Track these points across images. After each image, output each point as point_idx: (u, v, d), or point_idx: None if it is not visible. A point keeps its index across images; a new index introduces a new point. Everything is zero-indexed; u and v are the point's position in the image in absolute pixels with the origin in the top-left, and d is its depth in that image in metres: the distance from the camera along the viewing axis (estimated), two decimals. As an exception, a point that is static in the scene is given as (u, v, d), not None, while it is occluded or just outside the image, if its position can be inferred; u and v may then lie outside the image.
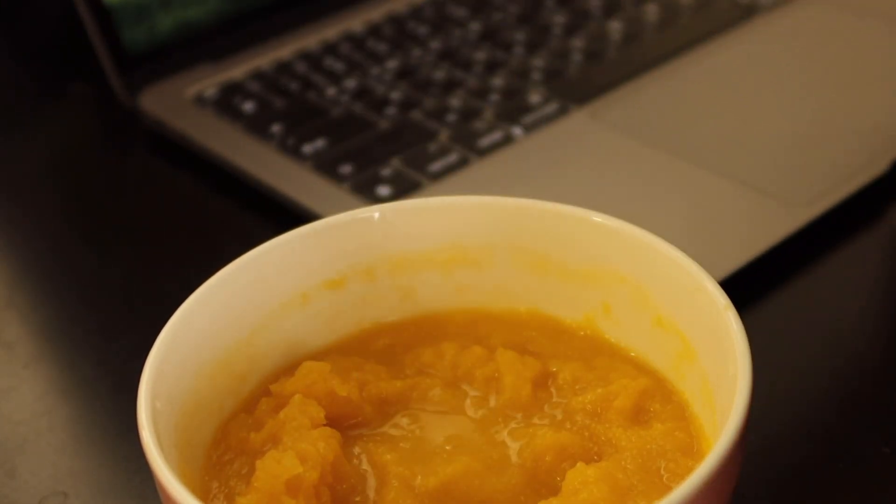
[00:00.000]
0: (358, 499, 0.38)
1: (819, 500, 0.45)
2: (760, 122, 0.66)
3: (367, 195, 0.61)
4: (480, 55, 0.75)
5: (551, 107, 0.68)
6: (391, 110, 0.69)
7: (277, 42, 0.77)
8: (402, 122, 0.68)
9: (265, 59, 0.75)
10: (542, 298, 0.45)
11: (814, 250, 0.57)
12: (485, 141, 0.65)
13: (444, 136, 0.66)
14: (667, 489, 0.36)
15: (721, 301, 0.38)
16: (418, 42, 0.77)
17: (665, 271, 0.40)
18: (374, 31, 0.78)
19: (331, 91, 0.72)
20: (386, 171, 0.63)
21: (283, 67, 0.74)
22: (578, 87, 0.70)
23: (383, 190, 0.61)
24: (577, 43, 0.76)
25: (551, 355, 0.43)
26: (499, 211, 0.44)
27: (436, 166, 0.63)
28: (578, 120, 0.67)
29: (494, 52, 0.75)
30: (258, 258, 0.42)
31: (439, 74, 0.73)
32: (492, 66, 0.74)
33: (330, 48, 0.76)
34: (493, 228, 0.44)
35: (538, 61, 0.74)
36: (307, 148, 0.65)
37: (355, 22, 0.79)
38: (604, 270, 0.43)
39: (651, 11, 0.79)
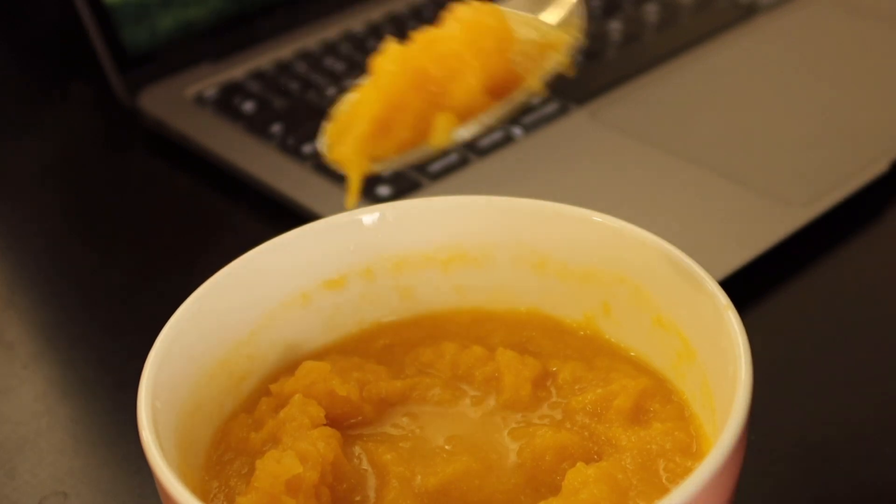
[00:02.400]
0: (358, 499, 0.38)
1: (819, 500, 0.45)
2: (760, 121, 0.66)
3: (367, 195, 0.61)
4: (480, 55, 0.75)
5: (551, 107, 0.68)
6: (391, 110, 0.69)
7: (277, 42, 0.77)
8: (402, 122, 0.68)
9: (265, 59, 0.75)
10: (542, 298, 0.45)
11: (814, 250, 0.57)
12: (485, 141, 0.65)
13: (444, 136, 0.66)
14: (666, 489, 0.36)
15: (721, 301, 0.38)
16: (418, 42, 0.77)
17: (665, 271, 0.40)
18: (374, 31, 0.78)
19: (331, 91, 0.72)
20: (386, 171, 0.63)
21: (283, 67, 0.74)
22: (578, 87, 0.70)
23: (383, 190, 0.61)
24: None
25: (551, 355, 0.43)
26: (499, 211, 0.44)
27: (436, 166, 0.63)
28: (578, 120, 0.67)
29: (494, 52, 0.75)
30: (258, 258, 0.42)
31: (439, 74, 0.73)
32: (492, 66, 0.73)
33: (330, 48, 0.76)
34: (493, 228, 0.44)
35: (538, 61, 0.74)
36: (307, 148, 0.65)
37: (355, 22, 0.79)
38: (604, 270, 0.43)
39: (651, 11, 0.79)
